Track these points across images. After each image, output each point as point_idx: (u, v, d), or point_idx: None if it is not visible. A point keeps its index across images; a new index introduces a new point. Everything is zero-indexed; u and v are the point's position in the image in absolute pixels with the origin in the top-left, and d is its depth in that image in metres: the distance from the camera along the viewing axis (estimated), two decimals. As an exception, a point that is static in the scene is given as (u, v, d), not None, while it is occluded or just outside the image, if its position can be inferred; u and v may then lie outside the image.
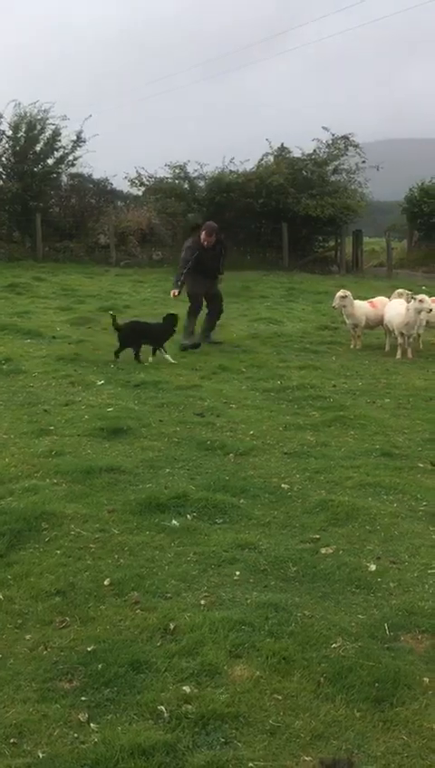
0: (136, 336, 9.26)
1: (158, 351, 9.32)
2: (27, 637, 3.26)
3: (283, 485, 5.22)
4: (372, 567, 4.02)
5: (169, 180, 24.77)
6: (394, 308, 10.28)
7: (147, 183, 25.39)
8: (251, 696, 2.90)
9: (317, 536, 4.42)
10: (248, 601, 3.61)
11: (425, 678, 3.05)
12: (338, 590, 3.79)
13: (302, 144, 24.80)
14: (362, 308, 10.78)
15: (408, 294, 10.28)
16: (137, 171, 25.31)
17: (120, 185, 26.58)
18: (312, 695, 2.94)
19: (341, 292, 10.67)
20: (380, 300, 11.13)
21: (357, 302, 10.77)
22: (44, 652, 3.15)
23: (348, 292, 10.68)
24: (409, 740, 2.71)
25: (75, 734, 2.66)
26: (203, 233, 10.70)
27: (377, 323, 10.90)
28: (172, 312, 9.69)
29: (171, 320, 9.50)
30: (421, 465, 5.73)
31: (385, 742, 2.70)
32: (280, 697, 2.91)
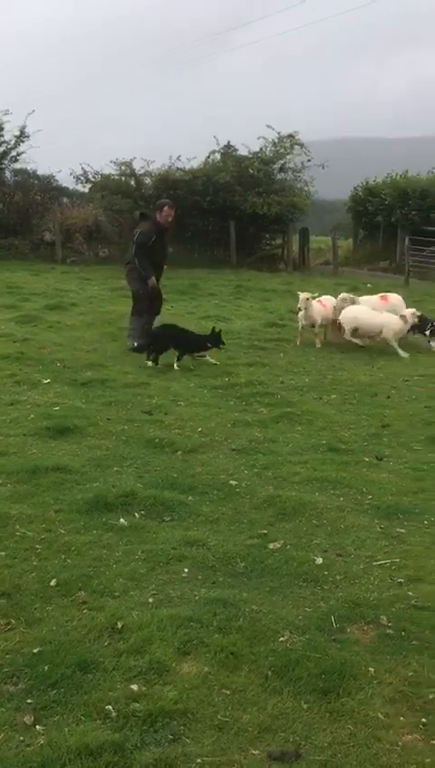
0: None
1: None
2: (-29, 641, 3.20)
3: (231, 482, 5.24)
4: (319, 560, 4.07)
5: (116, 177, 24.56)
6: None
7: (93, 180, 25.11)
8: (199, 692, 2.90)
9: (265, 531, 4.45)
10: (197, 598, 3.61)
11: (371, 669, 3.10)
12: (286, 584, 3.83)
13: (249, 142, 24.77)
14: (317, 308, 10.95)
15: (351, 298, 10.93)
16: (82, 168, 25.03)
17: (66, 181, 26.24)
18: (260, 688, 2.96)
19: (304, 295, 10.83)
20: (326, 299, 11.35)
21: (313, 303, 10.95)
22: (-11, 656, 3.09)
23: (309, 294, 10.83)
24: (355, 730, 2.75)
25: (21, 738, 2.61)
26: (165, 208, 9.89)
27: (328, 322, 11.13)
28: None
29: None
30: (367, 460, 5.83)
31: (332, 732, 2.73)
32: (228, 692, 2.92)
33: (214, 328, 9.35)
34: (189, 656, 3.14)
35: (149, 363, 8.96)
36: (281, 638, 3.29)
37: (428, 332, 11.20)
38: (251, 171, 23.95)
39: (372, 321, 10.74)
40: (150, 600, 3.59)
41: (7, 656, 3.08)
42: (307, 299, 10.76)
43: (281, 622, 3.43)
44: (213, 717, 2.77)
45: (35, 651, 3.10)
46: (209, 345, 9.24)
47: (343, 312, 10.89)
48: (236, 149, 24.57)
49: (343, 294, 11.45)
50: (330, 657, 3.15)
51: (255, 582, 3.84)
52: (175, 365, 8.97)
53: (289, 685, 2.98)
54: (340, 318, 10.89)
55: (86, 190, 25.59)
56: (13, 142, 22.74)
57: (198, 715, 2.78)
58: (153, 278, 9.87)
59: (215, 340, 9.20)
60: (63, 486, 4.97)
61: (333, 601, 3.64)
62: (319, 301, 11.18)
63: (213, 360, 9.29)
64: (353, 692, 2.96)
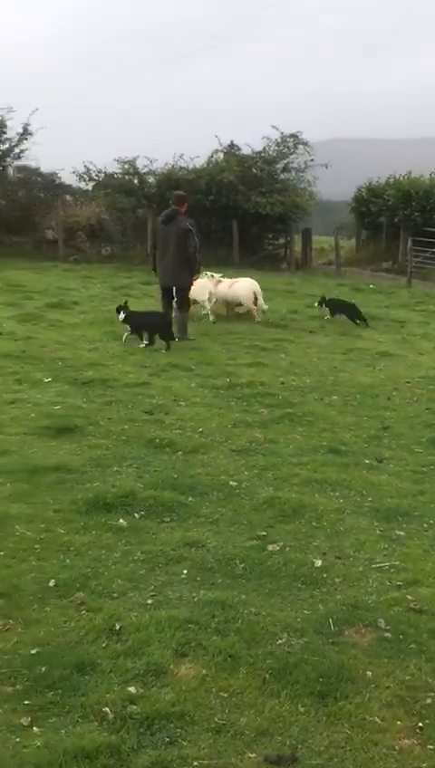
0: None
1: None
2: (-31, 641, 3.20)
3: (231, 483, 5.24)
4: (318, 563, 4.07)
5: (119, 176, 24.55)
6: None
7: (96, 178, 25.10)
8: (197, 695, 2.90)
9: (264, 533, 4.45)
10: (195, 600, 3.61)
11: (368, 672, 3.10)
12: (284, 587, 3.82)
13: (252, 142, 24.71)
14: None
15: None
16: (85, 166, 25.02)
17: (69, 179, 26.19)
18: (257, 691, 2.96)
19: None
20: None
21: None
22: (-14, 656, 3.09)
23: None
24: (352, 733, 2.75)
25: (17, 739, 2.62)
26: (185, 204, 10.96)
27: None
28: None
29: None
30: (367, 462, 5.82)
31: (329, 736, 2.73)
32: (225, 695, 2.92)
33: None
34: (187, 658, 3.14)
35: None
36: (279, 641, 3.30)
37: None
38: (254, 171, 23.89)
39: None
40: (149, 601, 3.59)
41: (5, 656, 3.09)
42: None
43: (279, 625, 3.43)
44: (210, 720, 2.77)
45: (33, 652, 3.11)
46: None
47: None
48: (239, 149, 24.53)
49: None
50: (328, 660, 3.15)
51: (253, 584, 3.84)
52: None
53: (287, 688, 2.98)
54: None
55: (89, 188, 25.57)
56: (16, 140, 22.71)
57: (195, 717, 2.78)
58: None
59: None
60: (63, 486, 4.97)
61: (331, 604, 3.64)
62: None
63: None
64: (351, 695, 2.95)
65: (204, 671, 3.05)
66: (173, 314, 10.76)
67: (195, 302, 11.94)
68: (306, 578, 3.92)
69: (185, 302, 10.86)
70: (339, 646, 3.28)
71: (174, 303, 10.86)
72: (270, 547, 4.25)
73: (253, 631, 3.35)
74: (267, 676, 3.05)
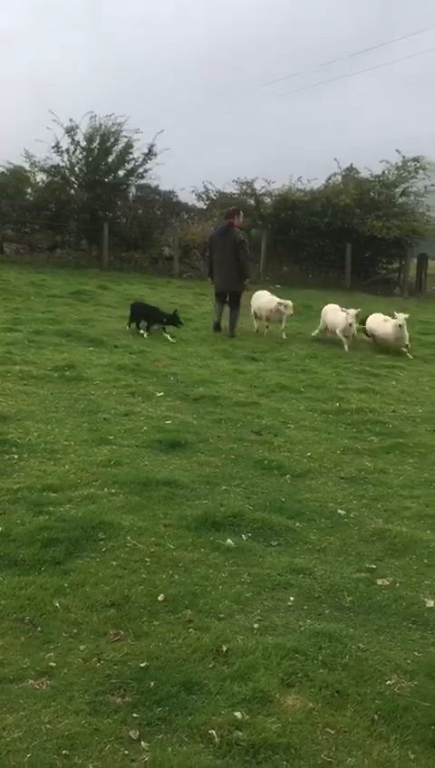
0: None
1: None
2: (82, 647, 3.29)
3: (339, 511, 5.16)
4: (431, 603, 3.93)
5: (236, 196, 24.92)
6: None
7: (213, 197, 25.60)
8: (303, 728, 2.85)
9: (373, 566, 4.34)
10: (302, 629, 3.56)
11: None
12: (394, 624, 3.71)
13: (370, 164, 24.51)
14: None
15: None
16: (204, 185, 25.58)
17: (186, 197, 26.87)
18: (365, 732, 2.87)
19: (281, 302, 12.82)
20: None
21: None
22: (98, 664, 3.17)
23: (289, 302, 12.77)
24: (465, 789, 2.62)
25: (126, 751, 2.66)
26: (241, 213, 12.86)
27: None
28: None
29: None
30: None
31: (440, 788, 2.62)
32: (332, 732, 2.85)
33: (175, 311, 12.19)
34: (294, 688, 3.09)
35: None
36: (388, 681, 3.19)
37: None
38: (372, 194, 23.66)
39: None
40: (256, 625, 3.57)
41: (115, 666, 3.15)
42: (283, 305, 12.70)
43: (389, 664, 3.32)
44: (316, 756, 2.72)
45: (142, 665, 3.15)
46: (165, 321, 11.88)
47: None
48: (358, 172, 24.38)
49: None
50: (440, 707, 3.02)
51: (362, 619, 3.75)
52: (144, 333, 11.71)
53: (396, 731, 2.88)
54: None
55: (205, 207, 26.10)
56: (140, 160, 23.51)
57: (301, 751, 2.73)
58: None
59: (173, 319, 11.87)
60: (173, 501, 5.04)
61: (444, 648, 3.50)
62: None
63: (171, 339, 11.43)
64: (464, 748, 2.82)
65: (310, 704, 2.99)
66: (229, 313, 12.62)
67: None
68: (417, 618, 3.78)
69: (238, 304, 12.58)
70: (452, 693, 3.14)
71: (226, 305, 12.69)
72: (379, 581, 4.14)
73: (361, 668, 3.27)
74: (376, 716, 2.96)
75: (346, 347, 12.18)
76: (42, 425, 6.54)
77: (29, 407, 7.10)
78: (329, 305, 13.19)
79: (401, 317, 12.03)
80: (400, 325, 11.87)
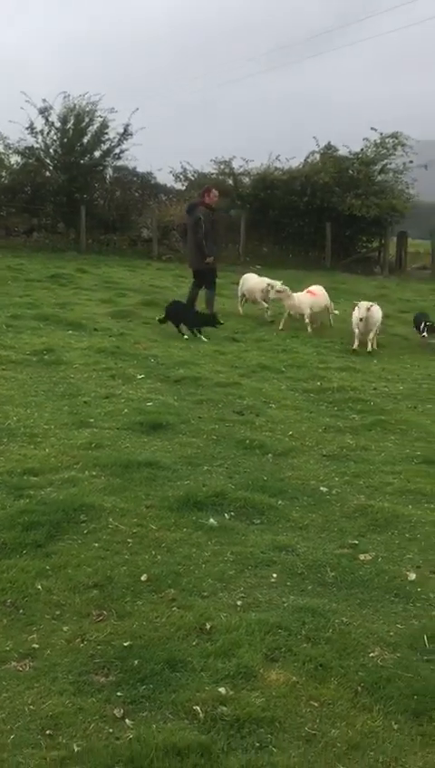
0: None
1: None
2: (65, 628, 3.28)
3: (321, 488, 5.17)
4: (412, 576, 3.96)
5: (214, 176, 24.72)
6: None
7: (191, 178, 25.39)
8: (287, 702, 2.87)
9: (356, 542, 4.37)
10: (285, 605, 3.58)
11: (465, 694, 2.98)
12: (376, 598, 3.74)
13: (349, 142, 24.32)
14: (304, 298, 11.99)
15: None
16: (182, 166, 25.35)
17: (165, 178, 26.61)
18: (349, 703, 2.90)
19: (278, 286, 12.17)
20: (317, 288, 12.39)
21: (297, 294, 12.06)
22: (81, 645, 3.16)
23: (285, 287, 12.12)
24: (447, 756, 2.65)
25: (110, 730, 2.66)
26: (212, 191, 12.12)
27: (321, 310, 12.27)
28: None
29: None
30: (464, 474, 5.62)
31: (423, 756, 2.65)
32: (316, 704, 2.87)
33: (215, 313, 11.45)
34: (277, 663, 3.11)
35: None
36: (371, 654, 3.22)
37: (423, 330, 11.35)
38: (351, 172, 23.57)
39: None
40: (239, 602, 3.58)
41: (99, 646, 3.14)
42: (280, 291, 12.08)
43: (371, 637, 3.35)
44: (300, 729, 2.73)
45: (126, 645, 3.15)
46: (202, 323, 10.91)
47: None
48: (336, 150, 24.23)
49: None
50: (422, 678, 3.05)
51: (344, 593, 3.77)
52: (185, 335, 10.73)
53: (379, 702, 2.90)
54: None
55: (184, 188, 25.88)
56: (116, 140, 23.24)
57: (285, 724, 2.74)
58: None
59: (211, 320, 10.97)
60: (155, 482, 5.03)
61: (425, 620, 3.53)
62: (309, 291, 12.20)
63: (204, 339, 10.57)
64: (446, 717, 2.85)
65: (294, 678, 3.01)
66: (206, 293, 12.10)
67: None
68: (399, 591, 3.81)
69: (210, 283, 12.12)
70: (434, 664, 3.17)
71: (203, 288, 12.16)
72: (362, 556, 4.17)
73: (344, 642, 3.29)
74: (359, 688, 2.98)
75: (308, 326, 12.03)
76: (21, 409, 6.49)
77: (8, 391, 7.04)
78: (246, 274, 13.56)
79: (364, 306, 10.75)
80: (361, 318, 10.66)
